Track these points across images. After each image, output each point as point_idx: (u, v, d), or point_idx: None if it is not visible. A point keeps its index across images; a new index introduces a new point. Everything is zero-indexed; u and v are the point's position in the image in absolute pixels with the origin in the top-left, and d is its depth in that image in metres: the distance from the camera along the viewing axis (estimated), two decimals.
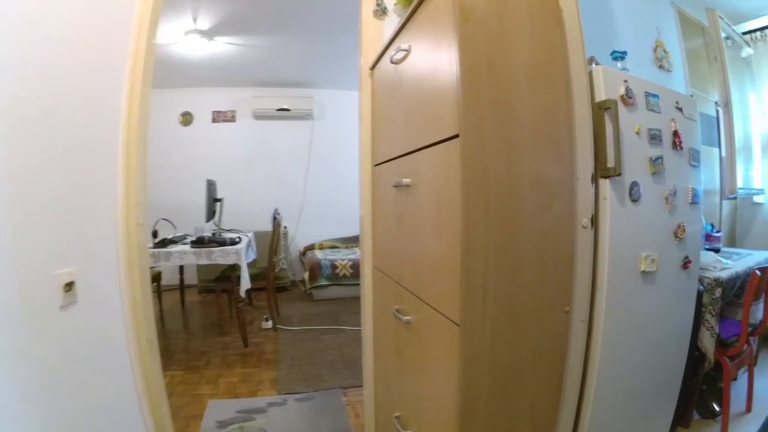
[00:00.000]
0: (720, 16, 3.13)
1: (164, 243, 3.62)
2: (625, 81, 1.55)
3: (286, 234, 6.14)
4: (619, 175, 1.46)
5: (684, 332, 1.92)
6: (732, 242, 3.76)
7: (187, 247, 3.52)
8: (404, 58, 1.57)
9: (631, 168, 1.54)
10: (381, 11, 2.08)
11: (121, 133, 1.65)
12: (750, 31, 3.74)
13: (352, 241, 6.09)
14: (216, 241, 3.61)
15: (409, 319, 1.56)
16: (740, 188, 3.29)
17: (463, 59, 1.14)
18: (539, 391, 1.35)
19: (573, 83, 1.35)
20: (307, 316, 4.62)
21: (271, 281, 4.35)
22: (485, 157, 1.19)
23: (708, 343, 2.11)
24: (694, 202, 1.83)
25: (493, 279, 1.20)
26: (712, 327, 2.11)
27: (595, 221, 1.45)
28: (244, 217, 5.43)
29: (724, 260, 2.41)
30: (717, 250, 2.74)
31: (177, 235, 4.00)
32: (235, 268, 3.62)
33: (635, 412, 1.74)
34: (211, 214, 4.12)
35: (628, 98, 1.54)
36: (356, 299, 2.33)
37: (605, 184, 1.47)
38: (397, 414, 1.72)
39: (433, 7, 1.34)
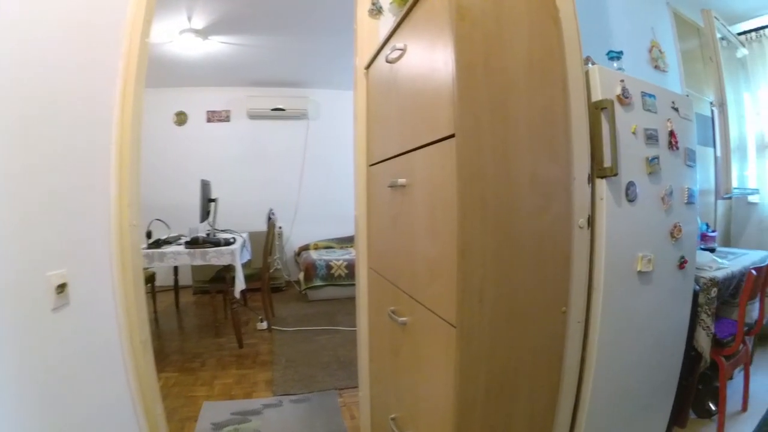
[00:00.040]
0: (715, 17, 3.14)
1: (158, 243, 3.60)
2: (622, 81, 1.54)
3: (281, 234, 6.12)
4: (615, 175, 1.45)
5: (680, 332, 1.93)
6: (727, 242, 3.77)
7: (182, 248, 3.50)
8: (400, 57, 1.56)
9: (628, 168, 1.53)
10: (376, 10, 2.07)
11: (114, 133, 1.64)
12: (745, 32, 3.75)
13: (347, 241, 6.08)
14: (210, 242, 3.59)
15: (404, 321, 1.55)
16: (735, 188, 3.30)
17: (459, 58, 1.13)
18: (536, 392, 1.34)
19: (570, 83, 1.34)
20: (303, 317, 4.60)
21: (266, 282, 4.33)
22: (481, 157, 1.18)
23: (704, 342, 2.12)
24: (690, 202, 1.83)
25: (490, 280, 1.19)
26: (708, 327, 2.11)
27: (591, 221, 1.44)
28: (239, 218, 5.41)
29: (719, 260, 2.41)
30: (712, 250, 2.75)
31: (171, 235, 3.98)
32: (229, 268, 3.61)
33: (632, 412, 1.74)
34: (205, 214, 4.11)
35: (624, 98, 1.53)
36: (351, 300, 2.32)
37: (602, 184, 1.46)
38: (393, 416, 1.71)
39: (428, 6, 1.32)
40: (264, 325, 4.21)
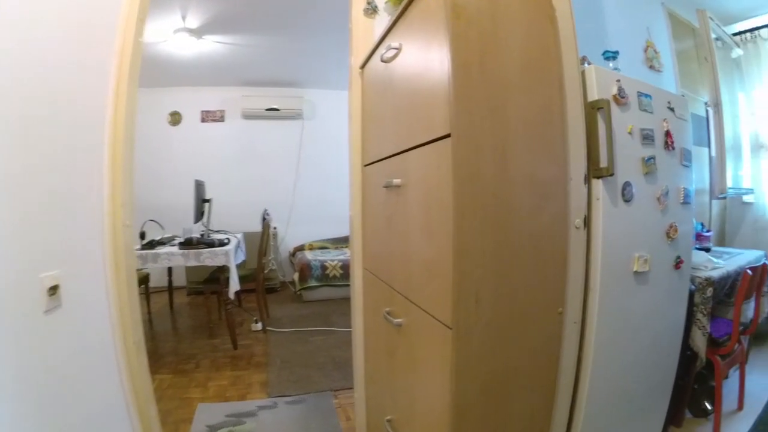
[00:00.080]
0: (710, 17, 3.15)
1: (152, 244, 3.58)
2: (618, 81, 1.54)
3: (275, 235, 6.10)
4: (611, 175, 1.45)
5: (676, 332, 1.93)
6: (722, 241, 3.78)
7: (176, 249, 3.48)
8: (395, 56, 1.55)
9: (624, 168, 1.53)
10: (372, 10, 2.06)
11: (107, 133, 1.62)
12: (740, 32, 3.77)
13: (342, 241, 6.06)
14: (204, 243, 3.57)
15: (400, 322, 1.53)
16: (730, 188, 3.31)
17: (454, 57, 1.12)
18: (533, 394, 1.34)
19: (566, 82, 1.33)
20: (297, 318, 4.58)
21: (260, 282, 4.31)
22: (477, 157, 1.17)
23: (700, 342, 2.12)
24: (686, 202, 1.83)
25: (486, 281, 1.18)
26: (703, 326, 2.11)
27: (587, 222, 1.43)
28: (233, 218, 5.38)
29: (715, 260, 2.41)
30: (707, 250, 2.75)
31: (165, 236, 3.96)
32: (224, 269, 3.59)
33: (628, 412, 1.73)
34: (199, 215, 4.08)
35: (620, 98, 1.53)
36: (346, 300, 2.31)
37: (598, 185, 1.46)
38: (389, 417, 1.70)
39: (424, 5, 1.31)
40: (259, 326, 4.19)
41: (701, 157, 3.34)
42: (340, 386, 2.93)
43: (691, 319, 2.07)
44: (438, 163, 1.21)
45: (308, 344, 3.80)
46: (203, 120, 6.09)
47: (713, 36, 3.22)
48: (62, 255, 1.38)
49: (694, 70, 3.46)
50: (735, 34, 3.76)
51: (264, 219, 4.49)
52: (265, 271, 4.92)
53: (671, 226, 1.75)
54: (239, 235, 4.46)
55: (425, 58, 1.30)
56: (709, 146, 3.43)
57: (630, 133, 1.57)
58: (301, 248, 6.08)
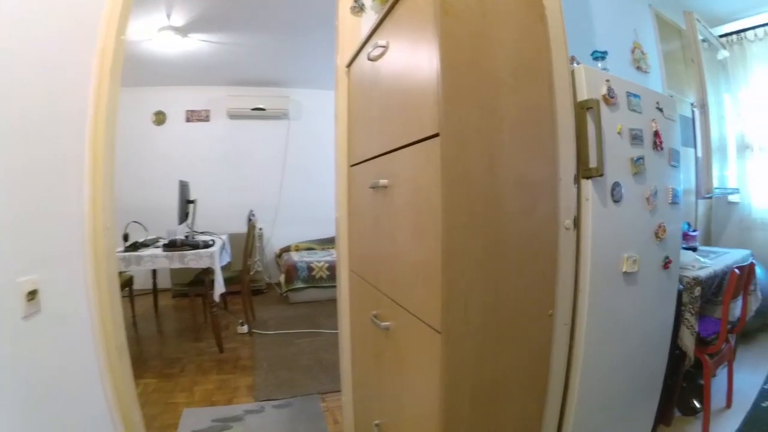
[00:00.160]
0: (697, 19, 3.17)
1: (135, 246, 3.51)
2: (607, 81, 1.53)
3: (261, 236, 6.03)
4: (601, 175, 1.44)
5: (665, 332, 1.93)
6: (708, 241, 3.83)
7: (159, 251, 3.43)
8: (382, 54, 1.53)
9: (613, 168, 1.52)
10: (358, 8, 2.03)
11: (87, 133, 1.58)
12: (726, 34, 3.82)
13: (329, 242, 6.02)
14: (189, 244, 3.52)
15: (387, 325, 1.51)
16: (716, 188, 3.35)
17: (443, 55, 1.10)
18: (523, 397, 1.32)
19: (556, 82, 1.32)
20: (284, 320, 4.54)
21: (246, 284, 4.26)
22: (466, 157, 1.15)
23: (688, 341, 2.13)
24: (674, 202, 1.83)
25: (476, 284, 1.16)
26: (691, 325, 2.12)
27: (577, 222, 1.42)
28: (218, 219, 5.34)
29: (702, 259, 2.43)
30: (694, 249, 2.77)
31: (149, 238, 3.90)
32: (208, 271, 3.54)
33: (618, 412, 1.73)
34: (184, 216, 4.03)
35: (610, 98, 1.52)
36: (333, 301, 2.28)
37: (587, 185, 1.45)
38: (377, 422, 1.68)
39: (412, 2, 1.29)
40: (245, 328, 4.14)
41: (687, 157, 3.36)
42: (328, 389, 2.90)
43: (679, 318, 2.08)
44: (426, 163, 1.19)
45: (295, 347, 3.77)
46: (188, 120, 6.02)
47: (700, 38, 3.25)
48: (41, 259, 1.34)
49: (681, 72, 3.49)
50: (721, 36, 3.81)
51: (249, 220, 4.44)
52: (251, 273, 4.86)
53: (660, 227, 1.74)
54: (224, 237, 4.41)
55: (413, 56, 1.28)
56: (695, 147, 3.46)
57: (619, 133, 1.56)
58: (287, 249, 6.03)
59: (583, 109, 1.43)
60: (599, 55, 1.84)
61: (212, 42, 4.47)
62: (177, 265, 3.41)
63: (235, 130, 6.13)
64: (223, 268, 3.74)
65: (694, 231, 3.03)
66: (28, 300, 1.24)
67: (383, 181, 1.50)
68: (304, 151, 6.27)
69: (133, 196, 4.87)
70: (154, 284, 4.69)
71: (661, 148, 1.74)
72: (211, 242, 3.75)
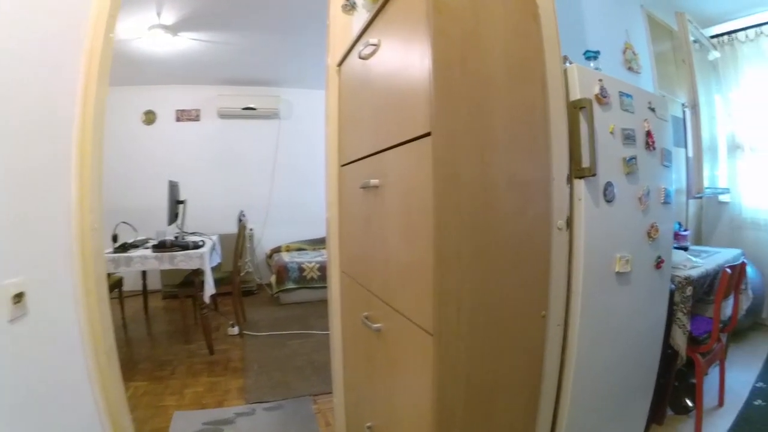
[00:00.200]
0: (689, 20, 3.19)
1: (125, 247, 3.46)
2: (600, 80, 1.53)
3: (251, 236, 5.99)
4: (594, 175, 1.43)
5: (657, 331, 1.94)
6: (698, 240, 3.85)
7: (149, 252, 3.38)
8: (373, 53, 1.51)
9: (606, 168, 1.52)
10: (350, 6, 2.01)
11: (75, 133, 1.55)
12: (717, 35, 3.84)
13: (320, 243, 5.98)
14: (179, 245, 3.48)
15: (378, 327, 1.49)
16: (707, 188, 3.36)
17: (436, 53, 1.08)
18: (517, 398, 1.31)
19: (549, 81, 1.31)
20: (275, 321, 4.51)
21: (236, 285, 4.23)
22: (459, 156, 1.13)
23: (680, 340, 2.14)
24: (666, 202, 1.84)
25: (468, 285, 1.15)
26: (683, 325, 2.13)
27: (570, 223, 1.41)
28: (209, 220, 5.29)
29: (693, 258, 2.43)
30: (685, 249, 2.78)
31: (138, 239, 3.85)
32: (198, 272, 3.50)
33: (611, 412, 1.73)
34: (173, 216, 3.99)
35: (602, 98, 1.51)
36: (324, 302, 2.26)
37: (580, 185, 1.44)
38: (369, 424, 1.66)
39: (404, 0, 1.27)
40: (235, 330, 4.11)
41: (678, 157, 3.38)
42: (319, 391, 2.88)
43: (671, 317, 2.09)
44: (418, 162, 1.17)
45: (286, 348, 3.74)
46: (178, 119, 5.97)
47: (691, 38, 3.26)
48: (28, 261, 1.32)
49: (672, 72, 3.51)
50: (712, 37, 3.84)
51: (240, 220, 4.41)
52: (242, 274, 4.84)
53: (652, 226, 1.74)
54: (214, 237, 4.37)
55: (405, 54, 1.26)
56: (686, 147, 3.48)
57: (612, 132, 1.56)
58: (277, 250, 5.99)
59: (576, 109, 1.42)
60: (592, 55, 1.84)
61: (203, 41, 4.44)
62: (167, 266, 3.38)
63: (225, 129, 6.08)
64: (214, 269, 3.71)
65: (685, 230, 3.04)
66: (15, 303, 1.22)
67: (374, 181, 1.48)
68: (295, 151, 6.24)
69: (123, 196, 4.82)
70: (144, 286, 4.65)
71: (654, 148, 1.74)
72: (201, 243, 3.72)
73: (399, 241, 1.34)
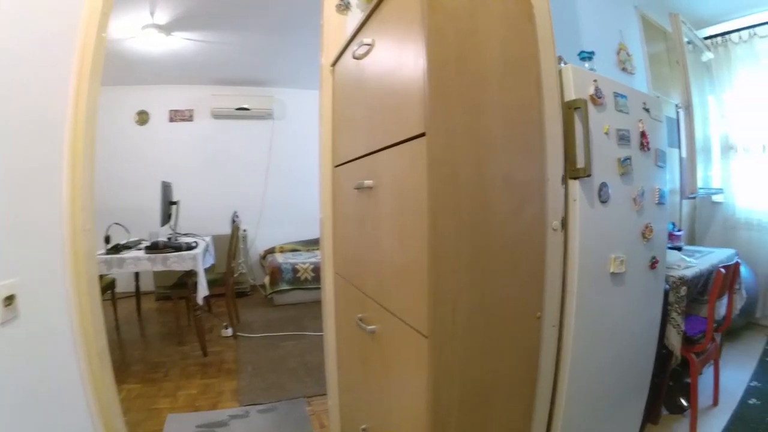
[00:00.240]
0: (683, 21, 3.20)
1: (117, 249, 3.44)
2: (595, 81, 1.52)
3: (245, 237, 5.97)
4: (588, 176, 1.43)
5: (652, 331, 1.94)
6: (692, 240, 3.86)
7: (142, 253, 3.36)
8: (367, 53, 1.50)
9: (600, 169, 1.51)
10: (344, 6, 2.00)
11: (66, 133, 1.54)
12: (711, 36, 3.86)
13: (314, 243, 5.95)
14: (171, 246, 3.46)
15: (373, 329, 1.48)
16: (700, 188, 3.38)
17: (430, 52, 1.07)
18: (512, 400, 1.31)
19: (543, 81, 1.30)
20: (268, 322, 4.49)
21: (230, 287, 4.21)
22: (453, 157, 1.12)
23: (675, 340, 2.14)
24: (661, 202, 1.84)
25: (463, 287, 1.14)
26: (678, 324, 2.13)
27: (565, 223, 1.41)
28: (202, 221, 5.26)
29: (687, 258, 2.44)
30: (679, 249, 2.79)
31: (131, 240, 3.83)
32: (192, 274, 3.48)
33: (606, 412, 1.73)
34: (166, 217, 3.96)
35: (597, 98, 1.51)
36: (319, 303, 2.25)
37: (575, 185, 1.44)
38: (364, 426, 1.65)
39: None
40: (229, 331, 4.08)
41: (672, 158, 3.39)
42: (314, 392, 2.86)
43: (666, 317, 2.09)
44: (412, 163, 1.16)
45: (280, 349, 3.72)
46: (171, 119, 5.93)
47: (685, 40, 3.27)
48: (19, 263, 1.30)
49: (666, 73, 3.52)
50: (706, 38, 3.85)
51: (233, 221, 4.39)
52: (235, 275, 4.81)
53: (647, 227, 1.74)
54: (208, 238, 4.35)
55: (399, 53, 1.25)
56: (679, 147, 3.49)
57: (606, 133, 1.55)
58: (271, 251, 5.96)
59: (571, 109, 1.42)
60: (586, 56, 1.84)
61: (196, 40, 4.41)
62: (159, 267, 3.35)
63: (219, 130, 6.05)
64: (207, 271, 3.69)
65: (679, 231, 3.05)
66: (6, 305, 1.21)
67: (368, 182, 1.47)
68: (289, 152, 6.21)
69: (115, 197, 4.79)
70: (137, 287, 4.62)
71: (648, 149, 1.74)
72: (194, 244, 3.69)
73: (393, 242, 1.33)
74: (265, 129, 6.20)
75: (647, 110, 1.76)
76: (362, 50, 1.51)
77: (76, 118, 1.56)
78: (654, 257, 1.80)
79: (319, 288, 2.29)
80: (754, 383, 2.72)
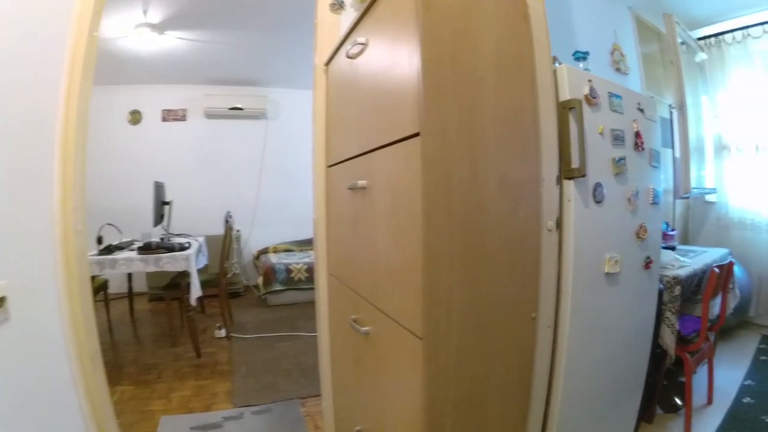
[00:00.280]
0: (677, 22, 3.21)
1: (109, 249, 3.42)
2: (590, 81, 1.52)
3: (238, 238, 5.95)
4: (583, 176, 1.43)
5: (646, 331, 1.94)
6: (685, 240, 3.89)
7: (134, 254, 3.33)
8: (361, 52, 1.49)
9: (595, 169, 1.51)
10: (338, 5, 1.99)
11: (57, 133, 1.53)
12: (704, 37, 3.88)
13: (307, 244, 5.94)
14: (164, 247, 3.43)
15: (367, 330, 1.47)
16: (694, 188, 3.39)
17: (424, 51, 1.06)
18: (507, 401, 1.30)
19: (538, 81, 1.30)
20: (262, 323, 4.47)
21: (223, 287, 4.19)
22: (448, 157, 1.12)
23: (669, 339, 2.15)
24: (655, 202, 1.84)
25: (458, 288, 1.13)
26: (672, 324, 2.14)
27: (559, 224, 1.41)
28: (195, 221, 5.23)
29: (681, 258, 2.45)
30: (673, 248, 2.80)
31: (123, 240, 3.81)
32: (185, 274, 3.45)
33: (601, 412, 1.74)
34: (159, 218, 3.93)
35: (592, 98, 1.51)
36: (312, 304, 2.24)
37: (569, 186, 1.44)
38: (358, 428, 1.64)
39: None
40: (222, 332, 4.06)
41: (665, 157, 3.40)
42: (308, 393, 2.85)
43: (660, 317, 2.10)
44: (406, 163, 1.15)
45: (274, 350, 3.71)
46: (164, 119, 5.89)
47: (679, 40, 3.28)
48: (9, 264, 1.29)
49: (659, 74, 3.53)
50: (700, 39, 3.87)
51: (227, 221, 4.37)
52: (228, 276, 4.79)
53: (641, 227, 1.75)
54: (201, 239, 4.31)
55: (393, 52, 1.24)
56: (673, 147, 3.50)
57: (601, 133, 1.55)
58: (265, 251, 5.94)
59: (566, 109, 1.42)
60: (581, 56, 1.84)
61: (189, 40, 4.39)
62: (152, 268, 3.33)
63: (212, 129, 6.02)
64: (200, 271, 3.67)
65: (673, 230, 3.06)
66: None
67: (362, 182, 1.46)
68: (282, 152, 6.19)
69: (107, 197, 4.77)
70: (130, 288, 4.59)
71: (642, 149, 1.74)
72: (187, 245, 3.67)
73: (387, 242, 1.32)
74: (259, 129, 6.18)
75: (642, 110, 1.76)
76: (356, 49, 1.50)
77: (68, 118, 1.56)
78: (648, 257, 1.80)
79: (312, 288, 2.28)
80: (747, 382, 2.74)
